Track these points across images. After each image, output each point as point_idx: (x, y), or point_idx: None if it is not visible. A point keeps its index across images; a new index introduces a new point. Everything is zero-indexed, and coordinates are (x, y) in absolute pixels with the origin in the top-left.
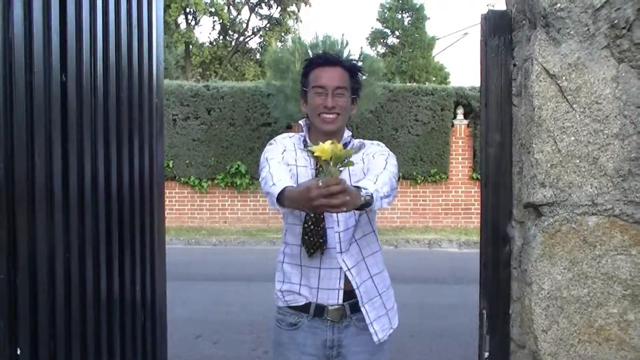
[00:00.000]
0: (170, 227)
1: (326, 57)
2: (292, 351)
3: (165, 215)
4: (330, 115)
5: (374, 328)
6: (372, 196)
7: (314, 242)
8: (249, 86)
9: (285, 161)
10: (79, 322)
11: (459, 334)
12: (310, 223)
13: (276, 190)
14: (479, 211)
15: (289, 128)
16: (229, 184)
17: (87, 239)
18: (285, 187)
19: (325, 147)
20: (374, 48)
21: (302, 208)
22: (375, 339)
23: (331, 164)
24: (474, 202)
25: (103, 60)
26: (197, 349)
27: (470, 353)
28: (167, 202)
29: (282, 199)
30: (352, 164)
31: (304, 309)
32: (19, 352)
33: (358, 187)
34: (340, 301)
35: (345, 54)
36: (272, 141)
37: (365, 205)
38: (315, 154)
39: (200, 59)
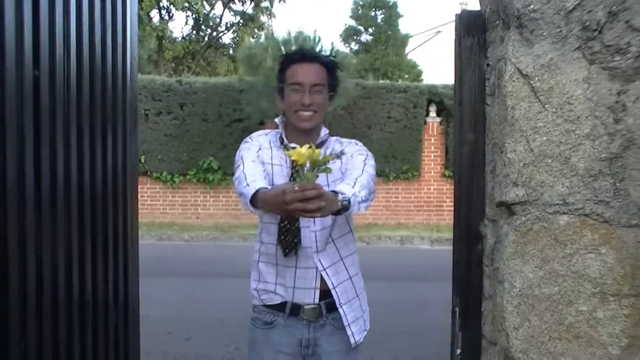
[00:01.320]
0: (142, 223)
1: (303, 53)
2: (267, 350)
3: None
4: (307, 113)
5: (351, 330)
6: (349, 201)
7: (290, 241)
8: (221, 82)
9: (260, 159)
10: (50, 320)
11: (430, 331)
12: (286, 222)
13: (250, 192)
14: (451, 208)
15: (261, 124)
16: (201, 180)
17: (59, 236)
18: (259, 188)
19: (302, 152)
20: (347, 45)
21: (276, 211)
22: (352, 340)
23: (307, 168)
24: (445, 199)
25: (76, 55)
26: (169, 345)
27: (441, 350)
28: (139, 198)
29: (256, 200)
30: (329, 170)
31: (280, 307)
32: None
33: (335, 192)
34: (317, 300)
35: (317, 50)
36: (247, 139)
37: (342, 210)
38: (292, 158)
39: (173, 54)
